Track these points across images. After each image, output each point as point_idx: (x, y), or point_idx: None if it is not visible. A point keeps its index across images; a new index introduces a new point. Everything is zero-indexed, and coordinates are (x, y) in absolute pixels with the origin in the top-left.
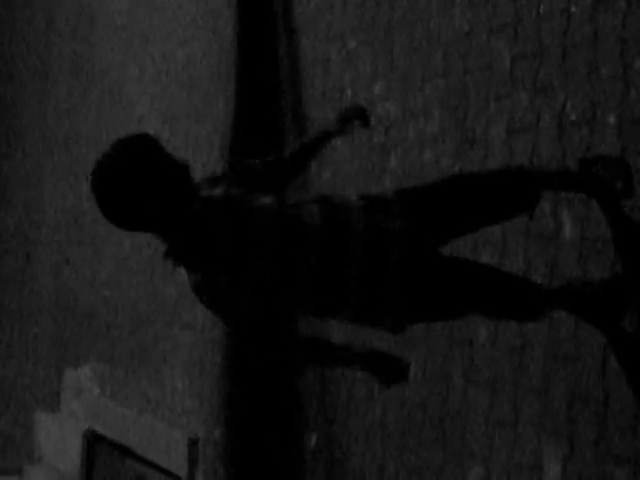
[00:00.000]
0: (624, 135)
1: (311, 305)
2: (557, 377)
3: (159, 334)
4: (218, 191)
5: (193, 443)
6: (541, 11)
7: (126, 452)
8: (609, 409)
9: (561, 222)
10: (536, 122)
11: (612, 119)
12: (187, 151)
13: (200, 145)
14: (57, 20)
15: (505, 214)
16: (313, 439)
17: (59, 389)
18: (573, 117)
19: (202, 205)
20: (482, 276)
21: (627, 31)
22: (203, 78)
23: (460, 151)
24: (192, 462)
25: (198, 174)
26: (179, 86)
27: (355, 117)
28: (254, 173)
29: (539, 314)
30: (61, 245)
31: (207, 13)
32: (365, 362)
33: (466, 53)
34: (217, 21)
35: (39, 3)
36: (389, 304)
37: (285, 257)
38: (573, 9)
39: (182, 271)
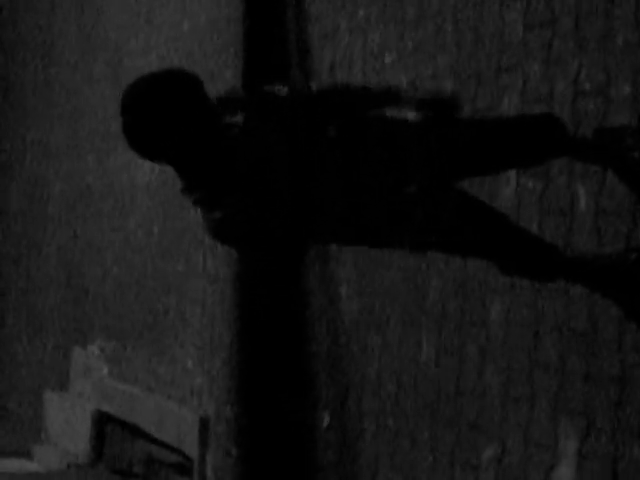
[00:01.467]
0: (639, 104)
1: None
2: (573, 353)
3: (168, 311)
4: (237, 119)
5: (204, 422)
6: None
7: (136, 432)
8: (626, 385)
9: (576, 194)
10: (550, 92)
11: (627, 88)
12: None
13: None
14: None
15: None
16: (325, 418)
17: (68, 368)
18: (587, 87)
19: (223, 139)
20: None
21: None
22: (208, 52)
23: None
24: (203, 441)
25: None
26: (185, 58)
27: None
28: (276, 102)
29: (553, 275)
30: (68, 221)
31: None
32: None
33: (478, 23)
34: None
35: None
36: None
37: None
38: None
39: (198, 212)
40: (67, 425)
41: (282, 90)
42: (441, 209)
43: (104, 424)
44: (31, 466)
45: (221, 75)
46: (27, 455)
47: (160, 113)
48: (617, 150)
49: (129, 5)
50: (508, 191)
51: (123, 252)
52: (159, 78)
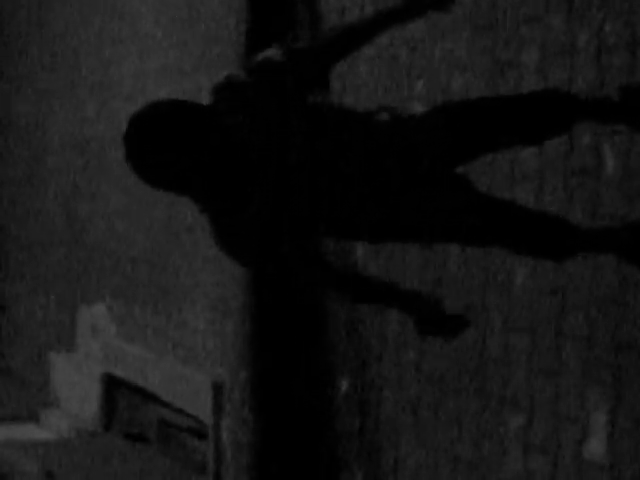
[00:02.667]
0: None
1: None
2: (601, 322)
3: (178, 269)
4: (238, 109)
5: (218, 388)
6: None
7: (147, 396)
8: None
9: (602, 156)
10: (572, 46)
11: None
12: (196, 75)
13: (211, 64)
14: None
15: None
16: (344, 385)
17: (74, 328)
18: (612, 40)
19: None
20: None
21: None
22: (212, 7)
23: (491, 76)
24: (217, 407)
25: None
26: (186, 9)
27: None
28: (274, 67)
29: (577, 247)
30: (68, 172)
31: None
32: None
33: None
34: None
35: None
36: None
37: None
38: None
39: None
40: (75, 388)
41: (280, 54)
42: (458, 189)
43: (114, 387)
44: (39, 432)
45: (223, 34)
46: (35, 420)
47: (166, 146)
48: None
49: None
50: (530, 153)
51: (128, 205)
52: (159, 113)
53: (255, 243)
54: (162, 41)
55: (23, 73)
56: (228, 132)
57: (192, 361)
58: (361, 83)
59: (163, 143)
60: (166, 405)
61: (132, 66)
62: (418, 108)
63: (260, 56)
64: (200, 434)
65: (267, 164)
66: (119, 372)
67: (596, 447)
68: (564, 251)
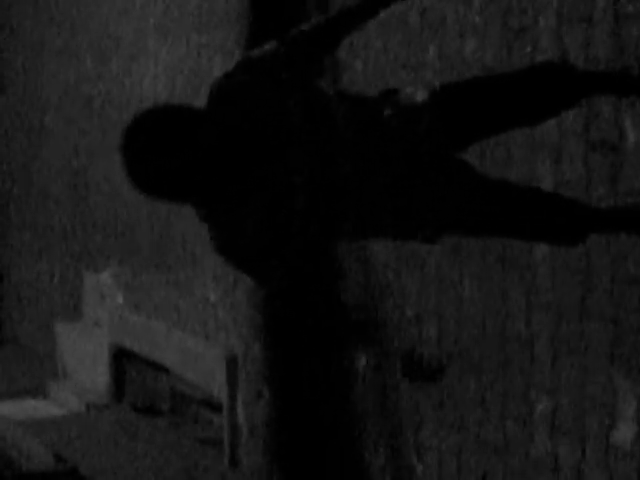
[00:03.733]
0: None
1: (347, 224)
2: (628, 302)
3: (186, 235)
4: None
5: (231, 361)
6: None
7: (158, 367)
8: None
9: (623, 128)
10: (589, 12)
11: None
12: (198, 33)
13: (212, 23)
14: None
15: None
16: (363, 360)
17: (80, 295)
18: (630, 8)
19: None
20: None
21: None
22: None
23: (505, 42)
24: (232, 382)
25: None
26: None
27: None
28: (271, 61)
29: (597, 227)
30: (68, 136)
31: None
32: None
33: None
34: None
35: None
36: (419, 214)
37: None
38: None
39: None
40: (83, 359)
41: (276, 49)
42: (474, 168)
43: (123, 358)
44: (47, 407)
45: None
46: (42, 393)
47: (164, 152)
48: None
49: None
50: (548, 125)
51: None
52: (153, 119)
53: (261, 248)
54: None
55: (19, 29)
56: (223, 132)
57: (204, 332)
58: (371, 48)
59: (158, 150)
60: (178, 376)
61: (132, 23)
62: (423, 92)
63: (256, 52)
64: (214, 406)
65: (269, 161)
66: (128, 343)
67: (624, 434)
68: (585, 229)
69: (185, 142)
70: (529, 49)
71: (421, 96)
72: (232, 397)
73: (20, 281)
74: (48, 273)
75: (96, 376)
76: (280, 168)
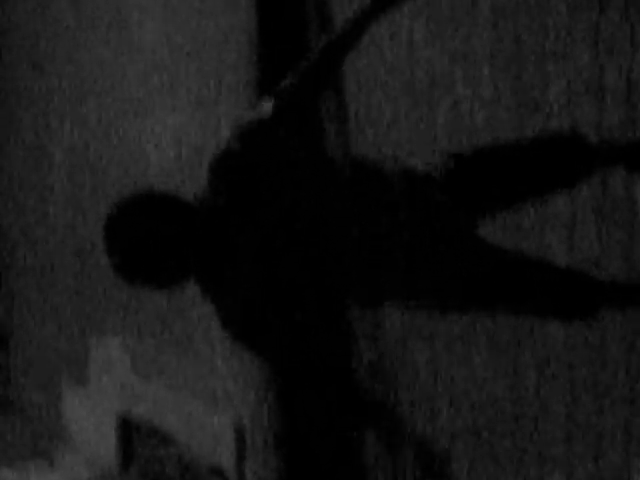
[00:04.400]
0: None
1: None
2: None
3: (195, 298)
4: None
5: (239, 432)
6: None
7: (166, 438)
8: None
9: (636, 200)
10: (601, 83)
11: None
12: (202, 92)
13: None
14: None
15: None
16: (372, 435)
17: (86, 358)
18: None
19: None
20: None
21: None
22: (219, 12)
23: (516, 112)
24: (240, 450)
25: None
26: (194, 22)
27: None
28: (264, 125)
29: (606, 305)
30: (74, 195)
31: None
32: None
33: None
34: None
35: None
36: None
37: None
38: None
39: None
40: (89, 425)
41: (265, 110)
42: (484, 240)
43: (130, 426)
44: (52, 474)
45: (230, 56)
46: (48, 460)
47: (147, 240)
48: None
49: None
50: (560, 197)
51: None
52: (133, 212)
53: (267, 324)
54: (168, 57)
55: (26, 89)
56: (206, 220)
57: (211, 401)
58: (381, 115)
59: (139, 243)
60: (186, 445)
61: (138, 86)
62: (431, 163)
63: (247, 117)
64: (222, 475)
65: (272, 233)
66: (135, 410)
67: None
68: (599, 304)
69: (167, 233)
70: (540, 118)
71: (432, 165)
72: (240, 466)
73: (26, 346)
74: (54, 338)
75: (102, 442)
76: (284, 239)
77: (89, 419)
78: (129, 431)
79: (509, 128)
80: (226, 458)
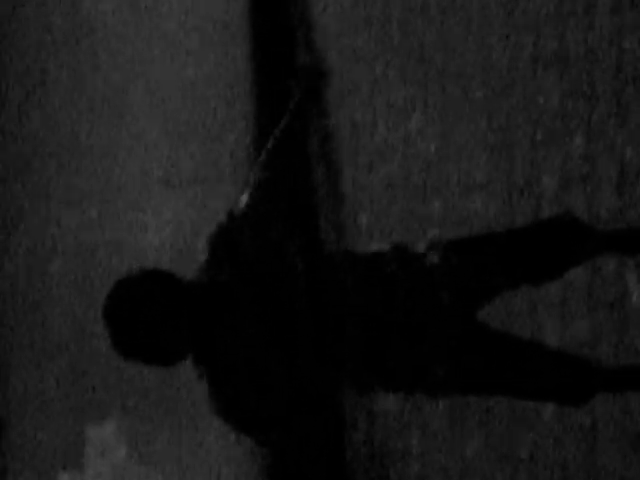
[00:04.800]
0: None
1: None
2: (637, 460)
3: (191, 384)
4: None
5: None
6: (589, 42)
7: None
8: None
9: (627, 286)
10: (592, 170)
11: None
12: (199, 172)
13: (214, 174)
14: (55, 31)
15: None
16: None
17: (83, 445)
18: (635, 167)
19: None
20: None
21: None
22: (215, 93)
23: (509, 199)
24: None
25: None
26: (189, 102)
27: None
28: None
29: (604, 385)
30: (74, 280)
31: (217, 27)
32: None
33: (509, 87)
34: (230, 34)
35: (34, 15)
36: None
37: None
38: (627, 45)
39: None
40: None
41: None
42: (476, 329)
43: None
44: None
45: (227, 138)
46: None
47: (145, 323)
48: None
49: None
50: (552, 283)
51: None
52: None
53: (262, 412)
54: (167, 149)
55: (25, 174)
56: (206, 295)
57: None
58: (375, 203)
59: (140, 322)
60: None
61: (136, 172)
62: (425, 248)
63: (243, 202)
64: None
65: (268, 317)
66: None
67: None
68: (591, 389)
69: (165, 311)
70: (532, 205)
71: (429, 253)
72: None
73: (22, 431)
74: (50, 423)
75: None
76: (279, 325)
77: None
78: None
79: (502, 213)
80: None
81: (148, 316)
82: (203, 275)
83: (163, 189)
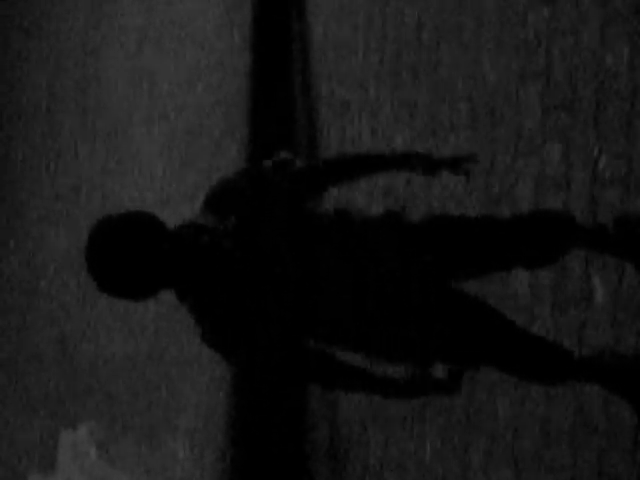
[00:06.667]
0: None
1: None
2: (585, 453)
3: (162, 395)
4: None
5: None
6: (575, 61)
7: None
8: None
9: (592, 286)
10: (567, 179)
11: None
12: (194, 201)
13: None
14: (61, 72)
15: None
16: None
17: (55, 449)
18: (607, 175)
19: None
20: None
21: None
22: (213, 124)
23: (485, 209)
24: None
25: None
26: (187, 133)
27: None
28: (271, 179)
29: (564, 378)
30: (62, 298)
31: (219, 58)
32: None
33: (494, 104)
34: (229, 65)
35: (45, 45)
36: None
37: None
38: (608, 60)
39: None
40: None
41: (278, 168)
42: (445, 309)
43: None
44: None
45: (226, 152)
46: None
47: (127, 257)
48: (636, 240)
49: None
50: (520, 281)
51: (119, 332)
52: (114, 229)
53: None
54: (162, 173)
55: (19, 200)
56: (180, 239)
57: None
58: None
59: (121, 257)
60: None
61: (132, 196)
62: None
63: (260, 166)
64: None
65: (246, 267)
66: None
67: None
68: (550, 379)
69: (148, 253)
70: (508, 214)
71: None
72: None
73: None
74: (27, 425)
75: None
76: (261, 273)
77: None
78: None
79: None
80: None
81: (126, 248)
82: (196, 220)
83: (159, 207)
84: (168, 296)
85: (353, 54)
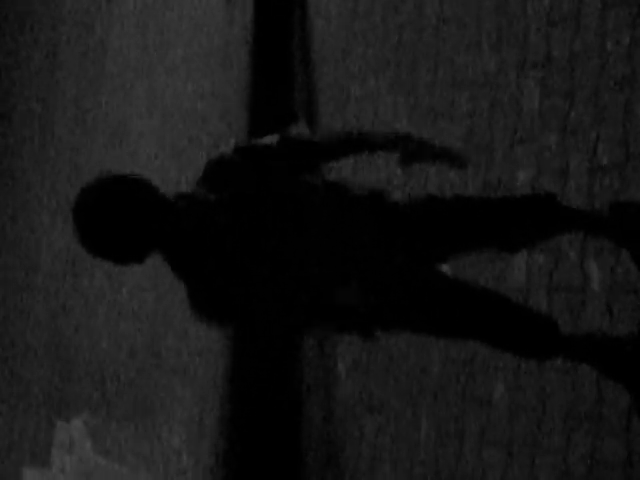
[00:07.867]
0: None
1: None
2: (578, 437)
3: (158, 386)
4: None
5: None
6: (574, 49)
7: None
8: (634, 472)
9: (588, 272)
10: (565, 166)
11: None
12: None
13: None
14: (61, 56)
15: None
16: None
17: (50, 442)
18: (605, 161)
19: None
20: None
21: None
22: (213, 115)
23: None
24: None
25: None
26: (187, 123)
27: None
28: (268, 153)
29: (552, 353)
30: (57, 291)
31: (218, 50)
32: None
33: (493, 93)
34: (228, 57)
35: (43, 41)
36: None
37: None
38: (608, 47)
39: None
40: None
41: (276, 141)
42: (439, 288)
43: None
44: None
45: (225, 145)
46: None
47: (116, 220)
48: (633, 226)
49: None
50: (517, 266)
51: (114, 324)
52: (103, 191)
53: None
54: (159, 172)
55: (21, 193)
56: (167, 205)
57: (166, 478)
58: None
59: (107, 218)
60: None
61: None
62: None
63: (260, 141)
64: None
65: (236, 241)
66: None
67: None
68: (544, 362)
69: (131, 211)
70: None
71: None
72: None
73: None
74: (21, 418)
75: None
76: (253, 243)
77: None
78: None
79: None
80: None
81: (118, 205)
82: (192, 192)
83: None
84: (165, 285)
85: (353, 44)
